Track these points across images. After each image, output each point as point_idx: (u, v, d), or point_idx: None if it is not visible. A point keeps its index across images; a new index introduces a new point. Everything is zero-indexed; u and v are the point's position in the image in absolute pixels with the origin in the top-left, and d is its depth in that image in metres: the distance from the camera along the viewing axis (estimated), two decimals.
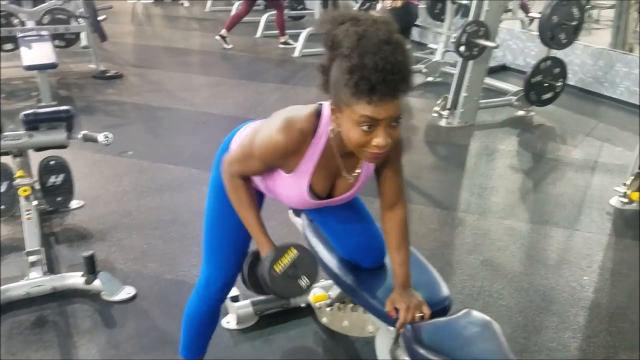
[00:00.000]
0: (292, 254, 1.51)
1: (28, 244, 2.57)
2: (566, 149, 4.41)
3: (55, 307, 2.44)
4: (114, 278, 2.57)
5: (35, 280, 2.46)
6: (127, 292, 2.54)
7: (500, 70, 6.72)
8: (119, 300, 2.49)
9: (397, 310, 1.62)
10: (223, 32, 7.62)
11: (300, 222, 2.12)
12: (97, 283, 2.49)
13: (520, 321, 2.43)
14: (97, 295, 2.51)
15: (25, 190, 2.57)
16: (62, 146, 2.70)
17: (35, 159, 3.06)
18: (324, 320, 2.29)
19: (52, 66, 5.03)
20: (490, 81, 5.97)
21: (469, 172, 4.07)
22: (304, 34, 7.43)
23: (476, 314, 1.63)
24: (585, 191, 3.67)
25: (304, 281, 1.52)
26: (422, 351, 1.51)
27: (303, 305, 2.41)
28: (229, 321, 2.35)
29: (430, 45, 7.20)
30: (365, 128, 1.27)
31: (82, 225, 3.13)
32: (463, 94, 4.87)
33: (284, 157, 1.44)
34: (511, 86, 5.48)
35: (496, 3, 4.58)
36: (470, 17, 4.70)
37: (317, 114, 1.43)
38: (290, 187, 1.51)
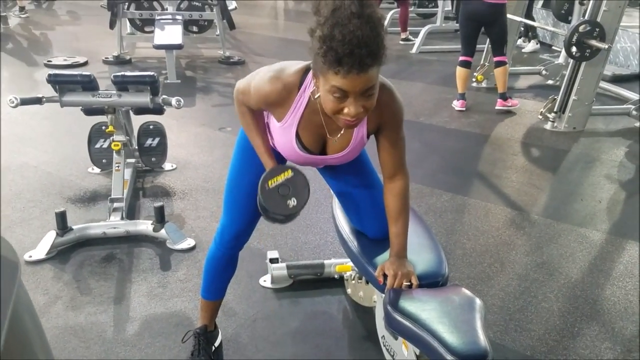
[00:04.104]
0: (287, 174, 1.61)
1: (113, 192, 2.95)
2: None
3: (124, 248, 2.78)
4: (179, 229, 2.87)
5: (113, 223, 2.83)
6: (188, 243, 2.81)
7: (634, 80, 6.19)
8: (179, 249, 2.77)
9: (386, 277, 1.68)
10: None
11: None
12: (163, 232, 2.80)
13: (557, 324, 2.31)
14: (162, 242, 2.82)
15: (116, 145, 2.94)
16: (152, 110, 3.06)
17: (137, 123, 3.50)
18: (349, 291, 2.38)
19: (178, 47, 5.58)
20: (613, 88, 5.58)
21: (559, 177, 3.86)
22: (423, 30, 7.41)
23: (463, 290, 1.63)
24: None
25: (292, 202, 1.61)
26: (395, 314, 1.56)
27: (336, 276, 2.51)
28: (265, 280, 2.53)
29: (556, 48, 6.82)
30: (336, 96, 1.34)
31: (169, 184, 3.50)
32: (573, 97, 4.60)
33: (268, 104, 1.57)
34: (636, 95, 5.06)
35: (615, 3, 4.25)
36: (586, 17, 4.43)
37: (306, 70, 1.53)
38: (281, 135, 1.63)
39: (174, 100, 2.71)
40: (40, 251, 2.65)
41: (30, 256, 2.63)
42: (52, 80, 2.75)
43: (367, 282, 2.21)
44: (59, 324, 2.22)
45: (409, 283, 1.65)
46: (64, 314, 2.28)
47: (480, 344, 1.41)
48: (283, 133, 1.61)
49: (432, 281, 1.70)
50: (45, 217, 2.99)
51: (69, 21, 9.34)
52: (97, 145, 3.44)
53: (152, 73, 2.81)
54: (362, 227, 1.93)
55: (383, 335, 1.89)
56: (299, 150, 1.64)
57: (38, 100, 2.76)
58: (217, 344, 2.11)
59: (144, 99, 2.81)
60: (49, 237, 2.68)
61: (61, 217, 2.70)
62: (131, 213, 3.09)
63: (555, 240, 2.98)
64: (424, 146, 4.32)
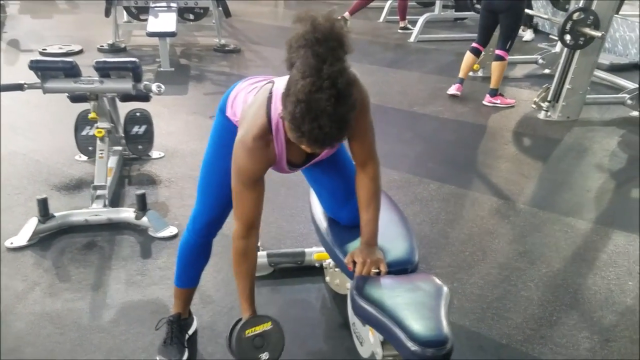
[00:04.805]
0: (266, 326, 1.64)
1: (96, 179, 2.94)
2: None
3: (106, 235, 2.78)
4: (161, 217, 2.86)
5: (95, 210, 2.83)
6: (170, 231, 2.81)
7: (632, 69, 6.12)
8: (161, 237, 2.77)
9: (356, 264, 1.68)
10: (346, 15, 7.75)
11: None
12: (145, 219, 2.80)
13: (536, 313, 2.30)
14: (144, 230, 2.82)
15: (99, 132, 2.93)
16: (137, 97, 3.05)
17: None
18: (327, 279, 2.38)
19: (171, 34, 5.55)
20: (609, 77, 5.52)
21: (549, 166, 3.83)
22: (421, 19, 7.35)
23: (431, 278, 1.62)
24: None
25: (264, 355, 1.63)
26: (360, 301, 1.56)
27: (317, 265, 2.50)
28: None
29: (553, 36, 6.74)
30: None
31: (155, 173, 3.49)
32: (567, 86, 4.56)
33: (260, 164, 1.54)
34: (632, 84, 5.01)
35: None
36: (580, 4, 4.37)
37: (267, 107, 1.51)
38: (275, 166, 1.64)
39: (154, 86, 2.69)
40: (21, 238, 2.65)
41: (12, 243, 2.63)
42: (34, 66, 2.74)
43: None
44: (35, 310, 2.23)
45: (377, 270, 1.65)
46: (41, 301, 2.29)
47: (441, 330, 1.41)
48: (276, 166, 1.64)
49: (401, 268, 1.69)
50: (29, 204, 2.99)
51: (67, 9, 9.30)
52: (84, 133, 3.42)
53: (134, 59, 2.80)
54: (335, 215, 1.93)
55: (354, 322, 1.88)
56: (289, 169, 1.68)
57: (19, 87, 2.75)
58: (191, 331, 2.11)
59: (126, 85, 2.79)
60: (31, 224, 2.68)
61: (43, 204, 2.69)
62: (116, 201, 3.09)
63: (539, 229, 2.96)
64: (416, 136, 4.29)
